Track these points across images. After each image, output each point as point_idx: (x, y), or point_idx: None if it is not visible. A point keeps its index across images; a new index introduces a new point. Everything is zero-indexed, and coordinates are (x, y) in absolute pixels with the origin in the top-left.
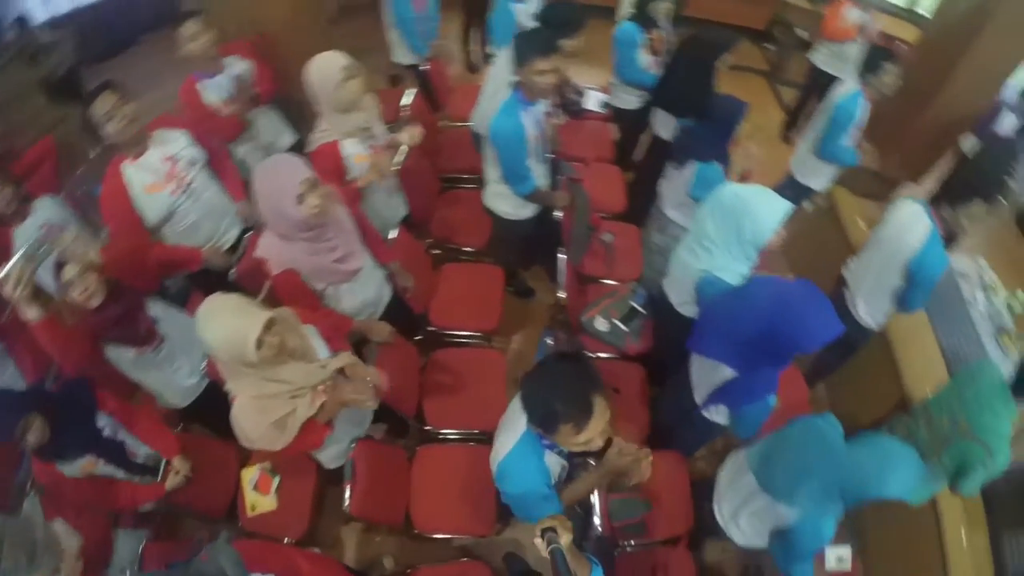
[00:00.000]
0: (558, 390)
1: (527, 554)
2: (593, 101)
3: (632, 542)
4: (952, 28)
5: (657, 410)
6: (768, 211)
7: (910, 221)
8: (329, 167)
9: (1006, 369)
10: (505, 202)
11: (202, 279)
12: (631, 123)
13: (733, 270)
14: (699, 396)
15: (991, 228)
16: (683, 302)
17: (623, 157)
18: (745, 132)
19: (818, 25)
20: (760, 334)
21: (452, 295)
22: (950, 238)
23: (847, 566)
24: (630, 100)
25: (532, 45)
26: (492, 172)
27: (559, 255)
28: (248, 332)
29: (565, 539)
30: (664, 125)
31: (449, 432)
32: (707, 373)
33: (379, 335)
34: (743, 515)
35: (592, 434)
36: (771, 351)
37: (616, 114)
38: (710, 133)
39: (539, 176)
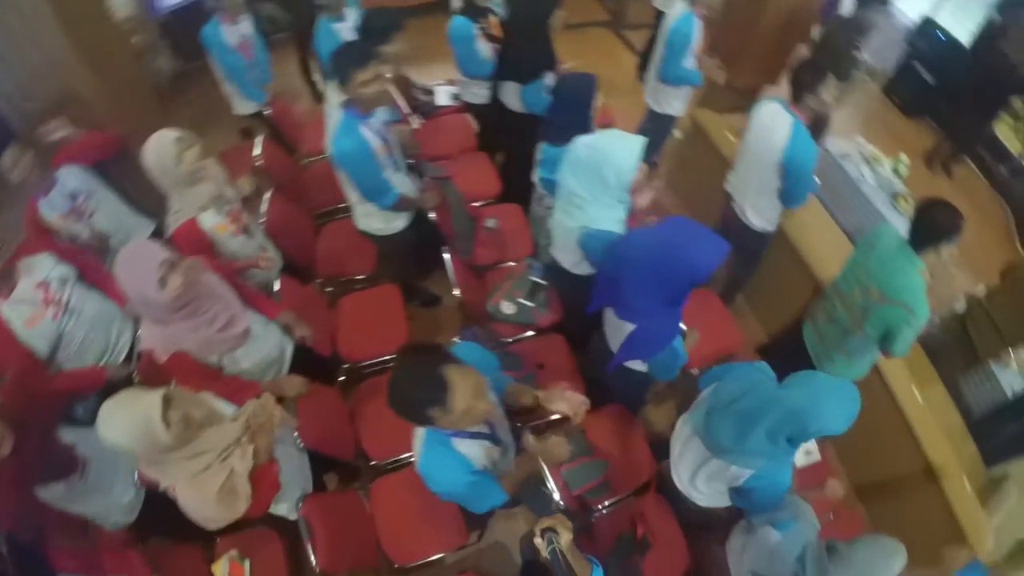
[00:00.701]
0: (406, 383)
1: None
2: (444, 96)
3: (605, 504)
4: None
5: (587, 372)
6: (624, 151)
7: (771, 121)
8: (195, 248)
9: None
10: (375, 220)
11: (110, 391)
12: (487, 113)
13: (610, 217)
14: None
15: (861, 104)
16: (575, 263)
17: (488, 142)
18: (602, 90)
19: None
20: (653, 281)
21: (355, 326)
22: (820, 125)
23: (816, 456)
24: (480, 94)
25: (347, 59)
26: (353, 194)
27: (444, 255)
28: (150, 415)
29: (565, 539)
30: (513, 96)
31: (396, 459)
32: (615, 330)
33: (292, 389)
34: (700, 478)
35: (465, 403)
36: (667, 292)
37: (469, 108)
38: (570, 118)
39: (400, 184)
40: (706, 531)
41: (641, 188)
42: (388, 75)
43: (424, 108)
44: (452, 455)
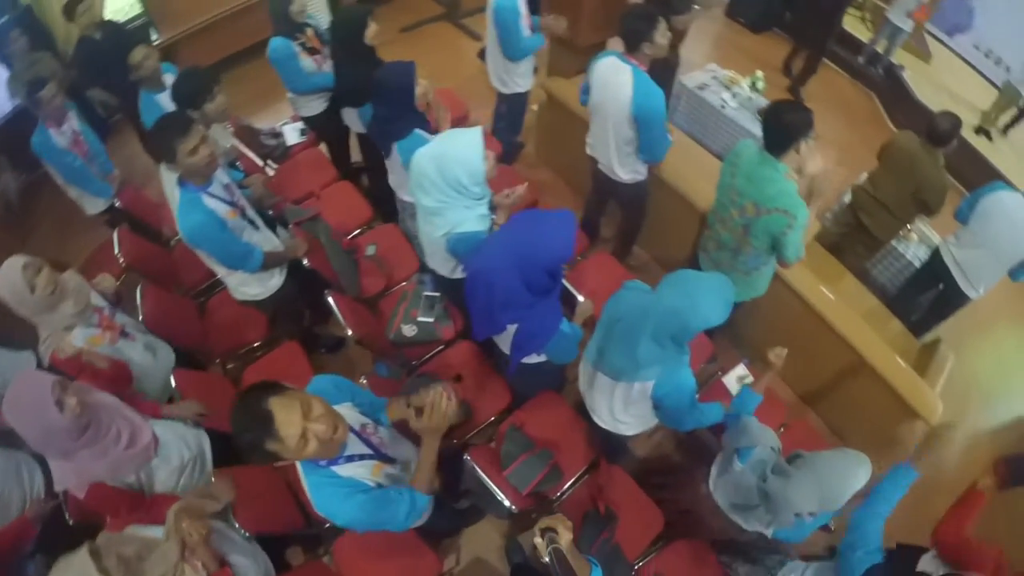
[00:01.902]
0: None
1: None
2: (293, 134)
3: (563, 490)
4: None
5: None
6: (466, 147)
7: (611, 76)
8: (74, 371)
9: None
10: (250, 286)
11: (48, 541)
12: (330, 126)
13: (473, 216)
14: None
15: (708, 32)
16: (452, 269)
17: (346, 166)
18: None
19: None
20: (519, 285)
21: None
22: (671, 64)
23: (750, 379)
24: (316, 104)
25: (167, 133)
26: (219, 268)
27: (328, 298)
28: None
29: (565, 539)
30: (353, 119)
31: None
32: (503, 334)
33: (220, 496)
34: (617, 411)
35: (296, 428)
36: (536, 287)
37: (313, 126)
38: (392, 109)
39: (263, 242)
40: (666, 478)
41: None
42: (229, 128)
43: (276, 152)
44: (337, 481)
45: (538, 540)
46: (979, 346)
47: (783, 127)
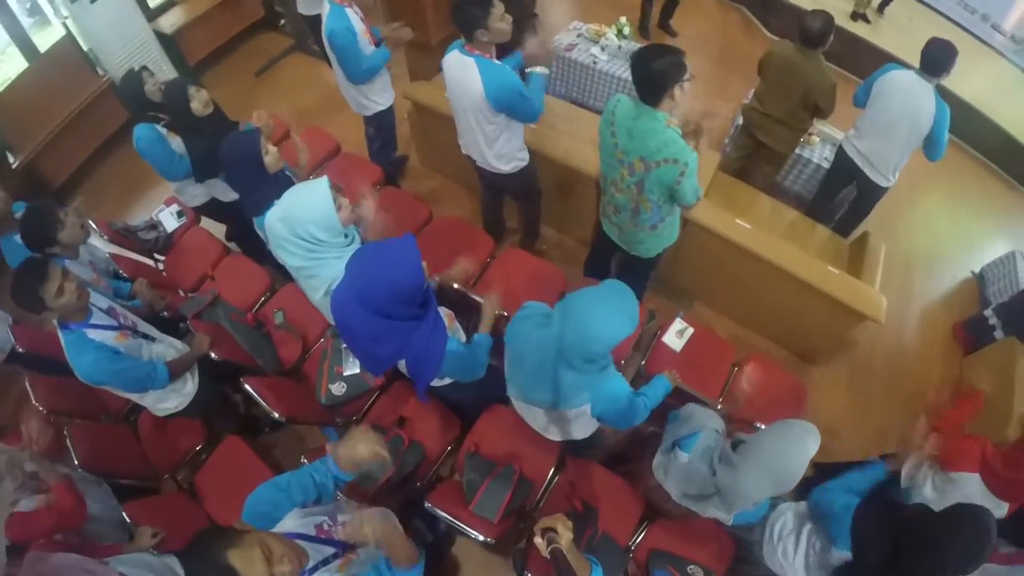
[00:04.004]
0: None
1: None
2: (170, 221)
3: (538, 497)
4: None
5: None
6: (312, 203)
7: (458, 72)
8: (35, 535)
9: None
10: (167, 400)
11: None
12: (218, 212)
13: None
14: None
15: None
16: None
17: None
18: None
19: None
20: (373, 315)
21: (220, 494)
22: (518, 41)
23: (689, 330)
24: (199, 193)
25: (26, 284)
26: (130, 396)
27: (247, 388)
28: None
29: (565, 539)
30: (219, 190)
31: None
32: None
33: None
34: (563, 429)
35: (261, 566)
36: (402, 313)
37: (208, 213)
38: (247, 183)
39: (162, 353)
40: (629, 462)
41: (356, 210)
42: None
43: (159, 244)
44: None
45: (538, 540)
46: (908, 226)
47: (653, 76)
